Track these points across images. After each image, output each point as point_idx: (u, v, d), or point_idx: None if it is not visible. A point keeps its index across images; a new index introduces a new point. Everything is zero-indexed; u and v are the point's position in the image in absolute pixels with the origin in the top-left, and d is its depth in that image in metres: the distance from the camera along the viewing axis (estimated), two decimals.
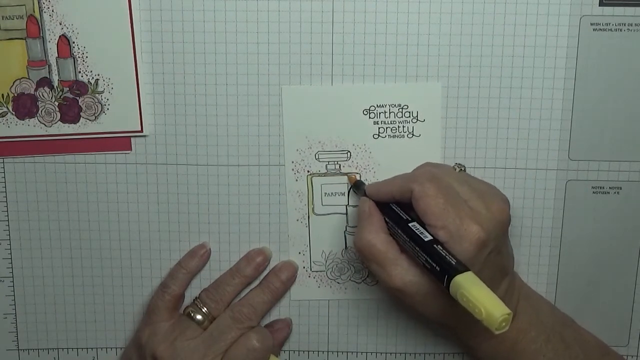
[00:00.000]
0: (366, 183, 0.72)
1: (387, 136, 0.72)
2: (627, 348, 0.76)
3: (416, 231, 0.64)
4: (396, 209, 0.67)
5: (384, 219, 0.67)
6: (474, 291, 0.58)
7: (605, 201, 0.73)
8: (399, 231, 0.65)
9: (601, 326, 0.75)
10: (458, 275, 0.59)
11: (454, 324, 0.68)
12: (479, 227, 0.62)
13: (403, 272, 0.64)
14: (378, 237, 0.66)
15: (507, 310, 0.57)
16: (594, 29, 0.70)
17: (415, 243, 0.63)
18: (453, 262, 0.60)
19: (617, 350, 0.75)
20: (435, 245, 0.62)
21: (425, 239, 0.63)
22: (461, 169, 0.71)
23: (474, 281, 0.59)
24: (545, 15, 0.69)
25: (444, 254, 0.61)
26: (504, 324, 0.56)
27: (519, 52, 0.70)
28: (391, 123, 0.71)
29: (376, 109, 0.71)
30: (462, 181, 0.67)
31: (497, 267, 0.66)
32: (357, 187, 0.72)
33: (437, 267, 0.61)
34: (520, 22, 0.70)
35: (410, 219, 0.65)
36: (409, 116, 0.71)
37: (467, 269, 0.60)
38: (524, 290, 0.71)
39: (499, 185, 0.72)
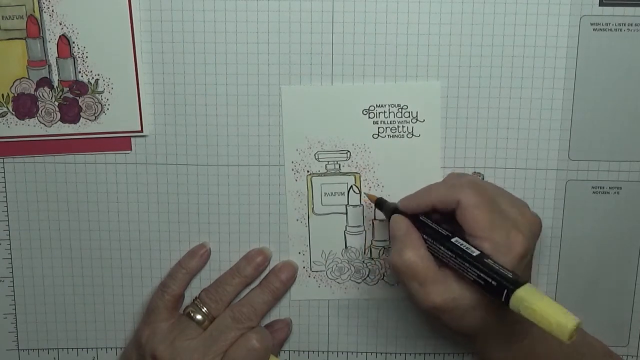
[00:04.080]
0: (364, 188, 0.73)
1: (387, 136, 0.72)
2: (627, 348, 0.76)
3: (461, 246, 0.63)
4: (431, 224, 0.66)
5: (423, 236, 0.66)
6: (540, 303, 0.57)
7: (605, 201, 0.73)
8: (442, 248, 0.64)
9: (601, 326, 0.75)
10: (520, 289, 0.59)
11: (486, 336, 0.67)
12: (522, 237, 0.63)
13: (442, 289, 0.63)
14: (419, 254, 0.64)
15: (577, 320, 0.57)
16: (594, 29, 0.70)
17: (462, 259, 0.62)
18: (510, 275, 0.60)
19: (617, 350, 0.75)
20: (486, 260, 0.61)
21: (474, 254, 0.62)
22: (481, 176, 0.71)
23: (535, 293, 0.58)
24: (545, 15, 0.69)
25: (498, 267, 0.61)
26: (574, 333, 0.56)
27: (519, 52, 0.70)
28: (391, 123, 0.71)
29: (376, 108, 0.71)
30: (500, 192, 0.67)
31: (529, 274, 0.67)
32: (379, 205, 0.71)
33: (492, 282, 0.60)
34: (520, 22, 0.70)
35: (450, 235, 0.64)
36: (409, 116, 0.71)
37: (525, 281, 0.59)
38: None
39: (498, 185, 0.72)
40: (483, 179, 0.72)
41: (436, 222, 0.66)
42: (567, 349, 0.69)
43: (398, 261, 0.65)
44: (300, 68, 0.71)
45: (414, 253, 0.64)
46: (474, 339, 0.69)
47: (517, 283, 0.59)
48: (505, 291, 0.59)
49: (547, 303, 0.58)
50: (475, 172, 0.72)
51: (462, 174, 0.71)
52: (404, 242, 0.65)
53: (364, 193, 0.73)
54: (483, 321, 0.64)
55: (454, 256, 0.63)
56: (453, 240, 0.64)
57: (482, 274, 0.61)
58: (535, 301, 0.58)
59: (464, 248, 0.63)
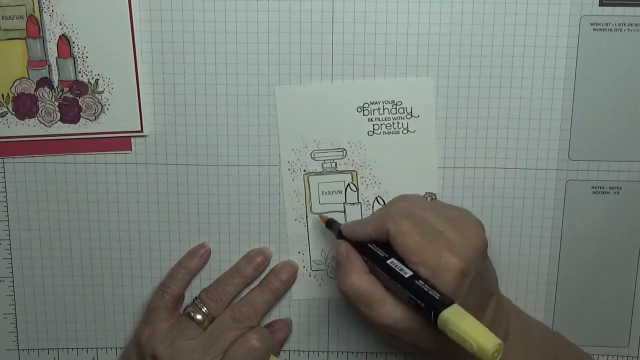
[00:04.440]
0: (361, 186, 0.73)
1: (382, 133, 0.72)
2: (628, 349, 0.76)
3: (395, 268, 0.63)
4: (372, 247, 0.66)
5: (363, 258, 0.67)
6: (462, 325, 0.57)
7: (605, 201, 0.73)
8: (379, 269, 0.65)
9: (601, 326, 0.75)
10: (444, 310, 0.59)
11: (449, 354, 0.66)
12: (457, 258, 0.62)
13: (392, 310, 0.63)
14: (361, 279, 0.65)
15: (498, 340, 0.56)
16: (594, 29, 0.70)
17: (396, 280, 0.63)
18: (437, 296, 0.60)
19: (617, 350, 0.75)
20: (416, 281, 0.62)
21: (406, 275, 0.62)
22: (432, 198, 0.71)
23: (461, 314, 0.59)
24: (545, 15, 0.69)
25: (427, 289, 0.61)
26: (496, 354, 0.56)
27: (519, 52, 0.70)
28: (385, 120, 0.71)
29: (370, 105, 0.71)
30: (436, 212, 0.66)
31: (482, 291, 0.66)
32: (329, 225, 0.72)
33: (421, 304, 0.60)
34: (520, 22, 0.70)
35: (387, 256, 0.65)
36: (403, 112, 0.71)
37: (452, 302, 0.59)
38: (514, 312, 0.71)
39: (498, 185, 0.73)
40: (435, 198, 0.71)
41: (384, 246, 0.66)
42: None
43: (343, 287, 0.66)
44: (300, 68, 0.71)
45: (357, 277, 0.65)
46: (441, 357, 0.68)
47: (442, 304, 0.59)
48: (433, 312, 0.59)
49: (471, 325, 0.58)
50: (427, 193, 0.71)
51: (401, 198, 0.70)
52: (346, 267, 0.66)
53: (318, 215, 0.74)
54: (441, 343, 0.63)
55: (390, 278, 0.63)
56: (388, 262, 0.64)
57: (412, 296, 0.61)
58: (458, 322, 0.58)
59: (398, 270, 0.63)
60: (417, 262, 0.63)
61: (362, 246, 0.67)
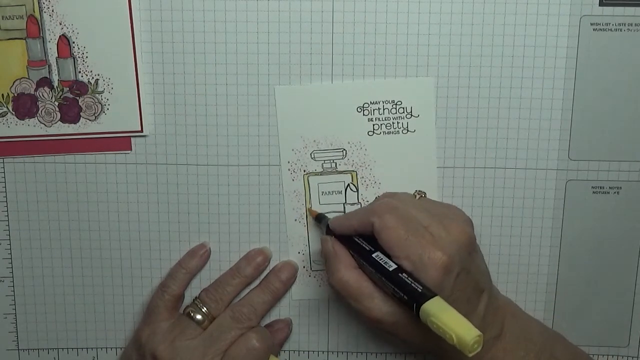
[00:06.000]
0: (361, 186, 0.73)
1: (382, 132, 0.72)
2: (628, 349, 0.76)
3: (380, 261, 0.64)
4: (359, 241, 0.67)
5: (350, 252, 0.67)
6: (442, 317, 0.58)
7: (605, 201, 0.73)
8: (365, 263, 0.65)
9: (601, 326, 0.75)
10: (426, 302, 0.59)
11: (438, 348, 0.66)
12: (441, 252, 0.63)
13: (380, 304, 0.64)
14: (349, 274, 0.66)
15: (477, 332, 0.57)
16: (594, 29, 0.70)
17: (380, 273, 0.63)
18: (419, 289, 0.60)
19: (617, 350, 0.75)
20: (400, 274, 0.62)
21: (390, 268, 0.63)
22: (421, 196, 0.71)
23: (442, 307, 0.59)
24: (545, 15, 0.69)
25: (410, 282, 0.61)
26: (475, 345, 0.57)
27: (519, 52, 0.70)
28: (385, 119, 0.71)
29: (370, 105, 0.71)
30: (422, 208, 0.67)
31: (470, 286, 0.66)
32: (319, 220, 0.73)
33: (404, 296, 0.61)
34: (520, 22, 0.70)
35: (373, 250, 0.65)
36: (403, 112, 0.71)
37: (434, 295, 0.60)
38: (510, 309, 0.71)
39: (498, 185, 0.73)
40: (424, 196, 0.71)
41: (370, 240, 0.66)
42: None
43: (331, 281, 0.67)
44: (300, 68, 0.71)
45: (345, 272, 0.66)
46: (440, 355, 0.68)
47: (424, 296, 0.60)
48: (415, 305, 0.60)
49: (451, 317, 0.58)
50: (417, 191, 0.71)
51: (387, 195, 0.71)
52: (334, 262, 0.67)
53: (307, 209, 0.74)
54: (430, 336, 0.63)
55: (374, 271, 0.64)
56: (374, 255, 0.65)
57: (396, 289, 0.62)
58: (439, 314, 0.58)
59: (382, 263, 0.64)
60: (401, 256, 0.63)
61: (348, 239, 0.68)
